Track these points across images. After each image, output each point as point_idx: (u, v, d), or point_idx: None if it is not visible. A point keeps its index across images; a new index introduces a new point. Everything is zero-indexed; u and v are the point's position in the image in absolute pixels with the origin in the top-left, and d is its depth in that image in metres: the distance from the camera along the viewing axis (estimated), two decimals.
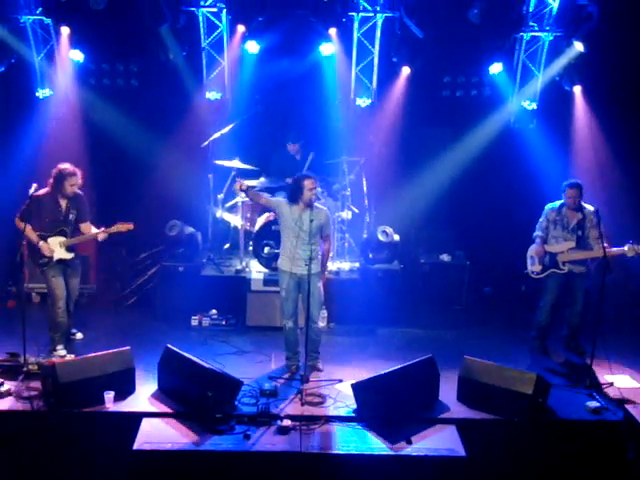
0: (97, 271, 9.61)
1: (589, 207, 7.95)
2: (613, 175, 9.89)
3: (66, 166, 7.63)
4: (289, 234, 7.33)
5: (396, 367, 6.70)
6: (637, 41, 9.29)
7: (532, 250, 8.15)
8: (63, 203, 7.70)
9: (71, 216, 7.74)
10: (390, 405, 6.42)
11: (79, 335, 8.30)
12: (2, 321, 8.60)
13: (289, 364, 7.60)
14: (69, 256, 7.77)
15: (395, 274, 9.44)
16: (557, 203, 8.10)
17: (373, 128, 10.45)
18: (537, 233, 8.17)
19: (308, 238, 7.20)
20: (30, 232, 7.56)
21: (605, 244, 7.48)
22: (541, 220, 8.19)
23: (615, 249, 7.53)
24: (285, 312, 7.52)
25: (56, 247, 7.66)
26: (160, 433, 6.19)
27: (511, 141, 10.39)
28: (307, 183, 7.23)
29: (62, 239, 7.69)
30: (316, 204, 7.44)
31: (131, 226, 7.75)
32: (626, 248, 7.56)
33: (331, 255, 7.54)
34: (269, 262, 8.96)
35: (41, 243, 7.59)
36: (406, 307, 9.43)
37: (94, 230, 7.82)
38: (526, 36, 9.94)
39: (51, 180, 7.65)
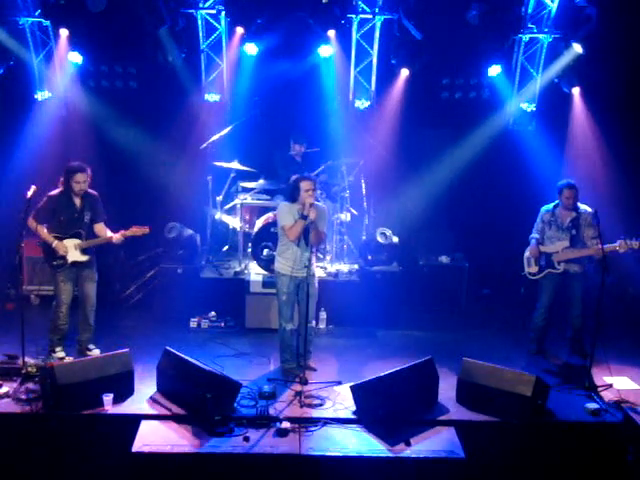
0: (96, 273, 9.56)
1: (584, 207, 8.00)
2: (611, 176, 9.88)
3: (72, 164, 7.59)
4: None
5: (395, 369, 6.70)
6: (635, 43, 9.30)
7: (528, 251, 8.21)
8: (77, 202, 7.61)
9: (86, 217, 7.64)
10: (389, 407, 6.41)
11: (96, 351, 7.79)
12: (1, 323, 8.58)
13: (287, 367, 7.57)
14: (84, 258, 7.65)
15: (394, 276, 9.44)
16: (551, 204, 8.15)
17: (372, 130, 10.45)
18: (533, 235, 8.24)
19: (308, 240, 7.19)
20: (44, 232, 7.52)
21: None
22: (537, 222, 8.25)
23: (608, 245, 7.52)
24: (285, 315, 7.46)
25: (71, 249, 7.56)
26: (159, 435, 6.18)
27: (510, 143, 10.40)
28: (304, 184, 7.14)
29: (77, 241, 7.59)
30: (315, 202, 7.25)
31: (147, 230, 7.67)
32: (617, 244, 7.58)
33: (323, 247, 7.51)
34: (268, 264, 8.94)
35: (56, 242, 7.50)
36: (405, 309, 9.45)
37: (109, 233, 7.73)
38: (525, 38, 9.97)
39: (61, 179, 7.60)
